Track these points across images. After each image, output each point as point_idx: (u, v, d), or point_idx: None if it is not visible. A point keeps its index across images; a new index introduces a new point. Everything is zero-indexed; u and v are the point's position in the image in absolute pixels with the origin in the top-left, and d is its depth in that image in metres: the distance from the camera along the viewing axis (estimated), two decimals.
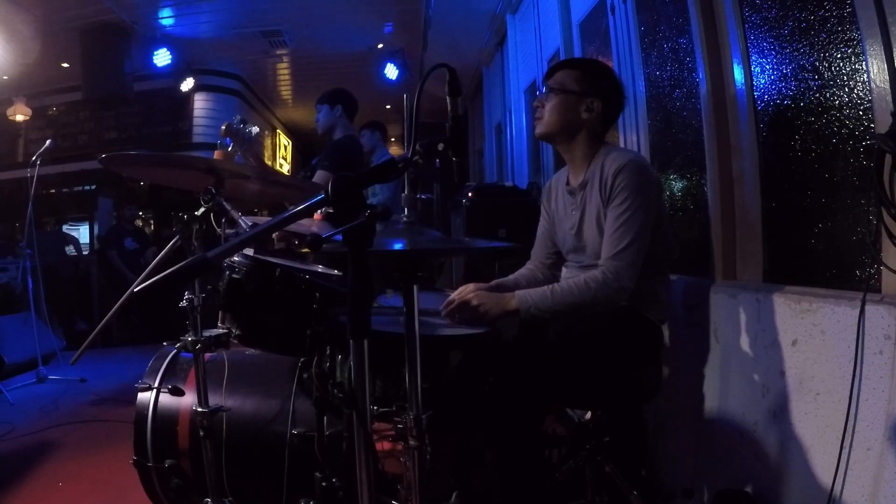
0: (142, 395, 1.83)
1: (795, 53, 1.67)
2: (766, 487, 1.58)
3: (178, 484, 1.77)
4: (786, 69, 1.71)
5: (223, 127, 2.46)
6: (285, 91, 9.21)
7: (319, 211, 2.33)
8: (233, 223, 1.67)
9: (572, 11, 3.71)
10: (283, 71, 8.24)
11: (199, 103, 7.76)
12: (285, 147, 11.18)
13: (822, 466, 1.37)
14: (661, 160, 2.51)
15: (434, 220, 4.33)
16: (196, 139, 7.69)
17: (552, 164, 4.17)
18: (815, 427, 1.42)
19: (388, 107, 8.98)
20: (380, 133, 4.25)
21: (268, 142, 9.77)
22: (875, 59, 1.33)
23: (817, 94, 1.60)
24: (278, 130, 10.65)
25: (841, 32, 1.49)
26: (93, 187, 8.09)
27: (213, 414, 1.61)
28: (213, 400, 1.65)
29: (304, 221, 2.15)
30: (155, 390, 1.83)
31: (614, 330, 1.61)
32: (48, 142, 4.32)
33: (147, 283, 0.90)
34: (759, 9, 1.82)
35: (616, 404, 1.69)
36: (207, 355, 1.68)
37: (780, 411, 1.54)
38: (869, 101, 1.39)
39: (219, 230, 1.69)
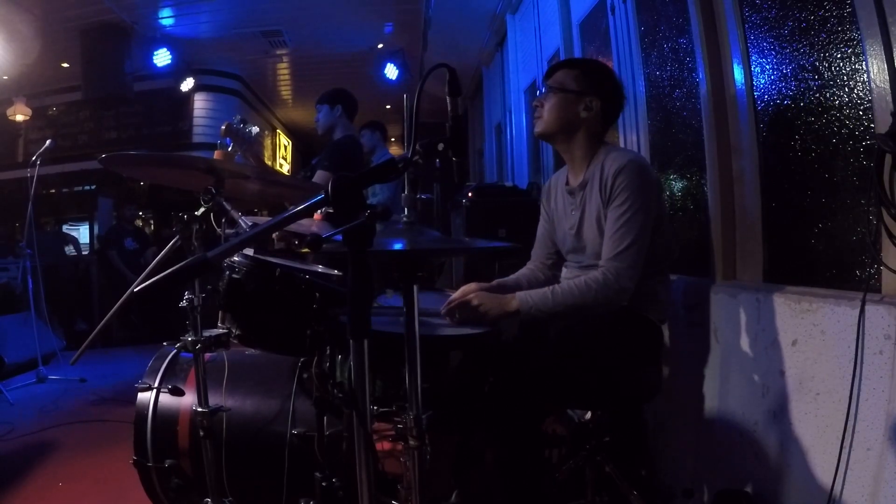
0: (142, 395, 1.83)
1: (795, 53, 1.67)
2: (766, 487, 1.58)
3: (178, 484, 1.77)
4: (786, 69, 1.71)
5: (223, 127, 2.46)
6: (285, 91, 9.21)
7: (319, 211, 2.33)
8: (233, 223, 1.67)
9: (572, 11, 3.71)
10: (283, 71, 8.24)
11: (199, 103, 7.76)
12: (285, 147, 11.18)
13: (822, 466, 1.37)
14: (661, 160, 2.50)
15: (434, 220, 4.33)
16: (196, 139, 7.70)
17: (552, 164, 4.17)
18: (815, 427, 1.42)
19: (388, 107, 8.98)
20: (380, 133, 4.25)
21: (268, 142, 9.77)
22: (875, 59, 1.33)
23: (817, 94, 1.60)
24: (278, 130, 10.65)
25: (841, 32, 1.49)
26: (93, 187, 8.09)
27: (213, 414, 1.61)
28: (213, 400, 1.65)
29: (304, 221, 2.15)
30: (155, 390, 1.83)
31: (614, 330, 1.61)
32: (48, 142, 4.32)
33: (147, 283, 0.90)
34: (759, 9, 1.82)
35: (616, 404, 1.69)
36: (207, 355, 1.68)
37: (780, 411, 1.54)
38: (869, 101, 1.39)
39: (219, 230, 1.69)
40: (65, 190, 8.31)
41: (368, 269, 0.89)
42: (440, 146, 1.09)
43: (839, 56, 1.51)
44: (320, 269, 2.02)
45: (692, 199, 2.28)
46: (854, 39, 1.44)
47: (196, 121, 7.76)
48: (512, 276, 1.89)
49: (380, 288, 1.90)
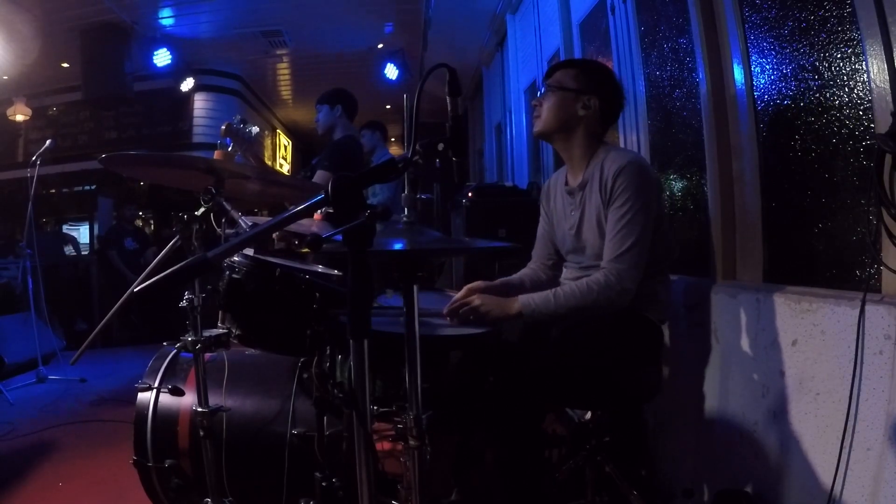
0: (142, 395, 1.83)
1: (795, 53, 1.67)
2: (766, 487, 1.58)
3: (178, 484, 1.77)
4: (786, 69, 1.71)
5: (223, 127, 2.46)
6: (285, 91, 9.20)
7: (319, 211, 2.33)
8: (233, 223, 1.67)
9: (572, 11, 3.71)
10: (283, 71, 8.24)
11: (199, 103, 7.75)
12: (285, 147, 11.18)
13: (822, 466, 1.37)
14: (661, 160, 2.50)
15: (434, 220, 4.33)
16: (196, 139, 7.69)
17: (552, 164, 4.17)
18: (815, 427, 1.42)
19: (388, 107, 8.98)
20: (380, 133, 4.25)
21: (268, 142, 9.77)
22: (875, 59, 1.33)
23: (817, 94, 1.60)
24: (278, 130, 10.65)
25: (841, 32, 1.49)
26: (93, 187, 8.08)
27: (213, 414, 1.61)
28: (213, 400, 1.65)
29: (304, 221, 2.15)
30: (155, 390, 1.83)
31: (614, 330, 1.61)
32: (48, 142, 4.32)
33: (147, 283, 0.90)
34: (759, 9, 1.82)
35: (616, 404, 1.69)
36: (207, 355, 1.68)
37: (780, 411, 1.54)
38: (869, 101, 1.39)
39: (219, 230, 1.69)
40: (65, 190, 8.31)
41: (368, 269, 0.89)
42: (440, 146, 1.09)
43: (839, 56, 1.51)
44: (320, 269, 2.02)
45: (692, 199, 2.28)
46: (854, 39, 1.44)
47: (196, 121, 7.76)
48: (515, 276, 1.90)
49: (380, 288, 1.90)
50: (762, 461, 1.60)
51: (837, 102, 1.52)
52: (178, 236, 1.64)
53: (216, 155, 2.11)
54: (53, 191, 8.18)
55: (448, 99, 1.17)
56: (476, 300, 1.60)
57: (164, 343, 1.83)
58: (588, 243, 1.71)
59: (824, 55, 1.56)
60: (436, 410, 1.23)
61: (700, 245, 2.14)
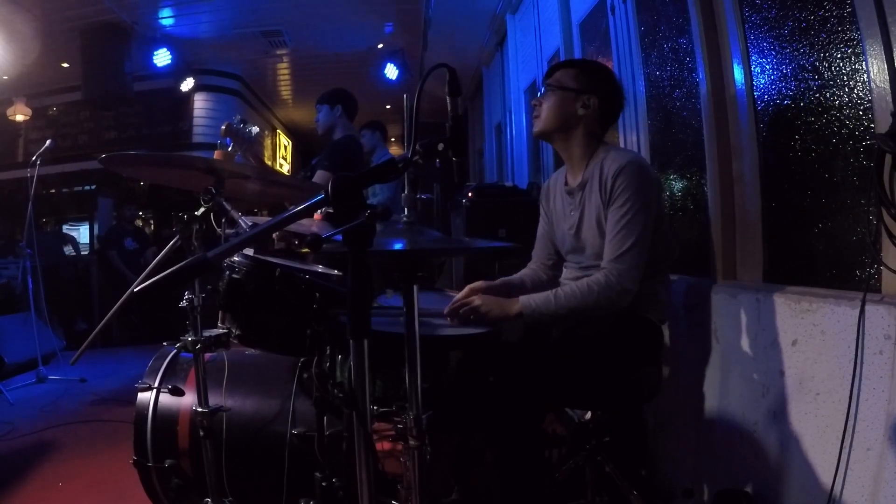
0: (142, 395, 1.83)
1: (795, 53, 1.67)
2: (766, 487, 1.58)
3: (178, 484, 1.77)
4: (786, 69, 1.71)
5: (223, 127, 2.46)
6: (285, 91, 9.20)
7: (319, 211, 2.33)
8: (233, 223, 1.67)
9: (572, 11, 3.71)
10: (283, 71, 8.24)
11: (199, 103, 7.75)
12: (285, 147, 11.18)
13: (822, 466, 1.37)
14: (661, 160, 2.51)
15: (434, 220, 4.33)
16: (196, 139, 7.69)
17: (552, 164, 4.17)
18: (815, 427, 1.42)
19: (388, 107, 8.98)
20: (380, 133, 4.25)
21: (268, 142, 9.77)
22: (875, 59, 1.33)
23: (817, 94, 1.60)
24: (278, 130, 10.65)
25: (841, 32, 1.49)
26: (93, 187, 8.09)
27: (213, 414, 1.61)
28: (213, 400, 1.65)
29: (304, 221, 2.15)
30: (155, 390, 1.83)
31: (614, 330, 1.61)
32: (48, 142, 4.32)
33: (147, 283, 0.90)
34: (759, 9, 1.82)
35: (616, 404, 1.69)
36: (207, 355, 1.68)
37: (780, 411, 1.54)
38: (869, 101, 1.39)
39: (219, 230, 1.69)
40: (65, 190, 8.32)
41: (368, 269, 0.89)
42: (440, 146, 1.09)
43: (839, 56, 1.51)
44: (320, 269, 2.02)
45: (692, 199, 2.28)
46: (854, 39, 1.44)
47: (196, 121, 7.76)
48: (516, 276, 1.90)
49: (380, 288, 1.90)
50: (762, 461, 1.60)
51: (837, 102, 1.52)
52: (178, 236, 1.64)
53: (216, 155, 2.11)
54: (53, 191, 8.19)
55: (448, 99, 1.17)
56: (476, 300, 1.60)
57: (164, 343, 1.83)
58: (588, 243, 1.71)
59: (824, 55, 1.56)
60: (436, 410, 1.23)
61: (700, 245, 2.14)
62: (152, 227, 8.29)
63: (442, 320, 1.61)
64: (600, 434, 1.67)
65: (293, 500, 1.64)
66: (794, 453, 1.47)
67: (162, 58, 6.29)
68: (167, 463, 1.76)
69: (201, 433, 1.60)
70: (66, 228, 8.17)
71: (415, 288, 1.19)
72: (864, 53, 1.38)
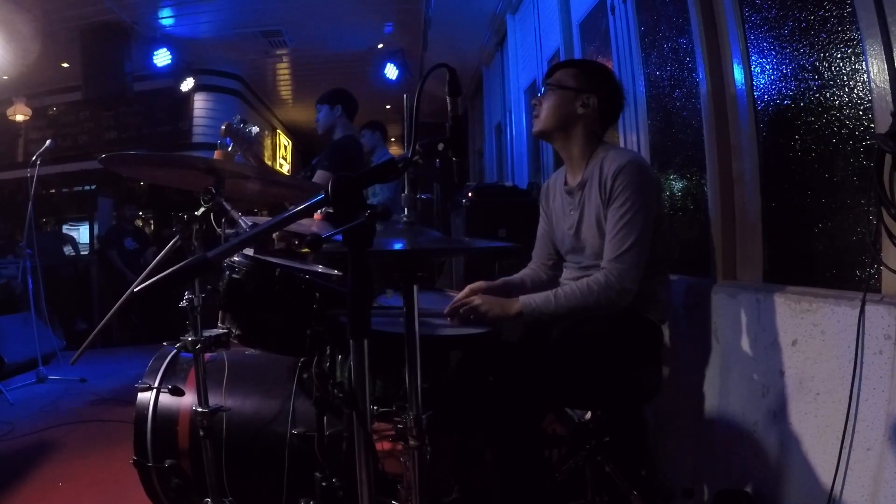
0: (142, 395, 1.83)
1: (795, 53, 1.67)
2: (766, 487, 1.58)
3: (178, 484, 1.77)
4: (786, 69, 1.71)
5: (223, 127, 2.46)
6: (285, 91, 9.21)
7: (319, 211, 2.33)
8: (233, 223, 1.67)
9: (572, 11, 3.71)
10: (283, 71, 8.25)
11: (199, 103, 7.76)
12: (285, 147, 11.18)
13: (822, 466, 1.37)
14: (661, 160, 2.51)
15: (434, 220, 4.33)
16: (196, 139, 7.69)
17: (552, 163, 4.17)
18: (815, 427, 1.42)
19: (388, 107, 8.98)
20: (380, 133, 4.25)
21: (268, 142, 9.77)
22: (875, 59, 1.33)
23: (817, 94, 1.60)
24: (278, 130, 10.65)
25: (841, 32, 1.49)
26: (93, 187, 8.09)
27: (213, 414, 1.61)
28: (213, 400, 1.65)
29: (304, 221, 2.15)
30: (155, 390, 1.83)
31: (614, 330, 1.61)
32: (48, 142, 4.32)
33: (147, 283, 0.90)
34: (759, 9, 1.82)
35: (616, 404, 1.69)
36: (207, 355, 1.68)
37: (780, 411, 1.54)
38: (869, 101, 1.39)
39: (219, 230, 1.69)
40: (65, 190, 8.32)
41: (368, 269, 0.89)
42: (440, 146, 1.09)
43: (839, 56, 1.51)
44: (320, 269, 2.02)
45: (692, 199, 2.28)
46: (854, 39, 1.44)
47: (196, 121, 7.76)
48: (516, 276, 1.90)
49: (380, 288, 1.90)
50: (762, 461, 1.60)
51: (837, 102, 1.52)
52: (178, 236, 1.64)
53: (216, 155, 2.11)
54: (53, 191, 8.19)
55: (448, 99, 1.17)
56: (476, 300, 1.60)
57: (164, 343, 1.83)
58: (587, 243, 1.71)
59: (824, 55, 1.56)
60: (436, 410, 1.23)
61: (700, 245, 2.14)
62: (152, 227, 8.30)
63: (442, 320, 1.61)
64: (600, 434, 1.67)
65: (293, 500, 1.64)
66: (794, 453, 1.47)
67: (162, 58, 6.29)
68: (167, 463, 1.76)
69: (201, 433, 1.60)
70: (66, 228, 8.18)
71: (415, 288, 1.19)
72: (864, 53, 1.38)
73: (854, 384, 1.28)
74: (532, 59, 4.59)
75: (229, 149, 2.46)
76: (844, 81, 1.50)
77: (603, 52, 3.17)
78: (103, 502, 2.26)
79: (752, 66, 1.85)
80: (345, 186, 0.87)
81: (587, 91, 1.70)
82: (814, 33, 1.59)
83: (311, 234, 0.93)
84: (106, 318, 2.36)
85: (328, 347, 1.51)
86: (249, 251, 1.72)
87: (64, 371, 4.11)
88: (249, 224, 1.59)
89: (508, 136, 5.67)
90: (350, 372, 1.17)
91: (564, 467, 1.69)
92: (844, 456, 1.29)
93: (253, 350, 1.93)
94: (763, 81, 1.81)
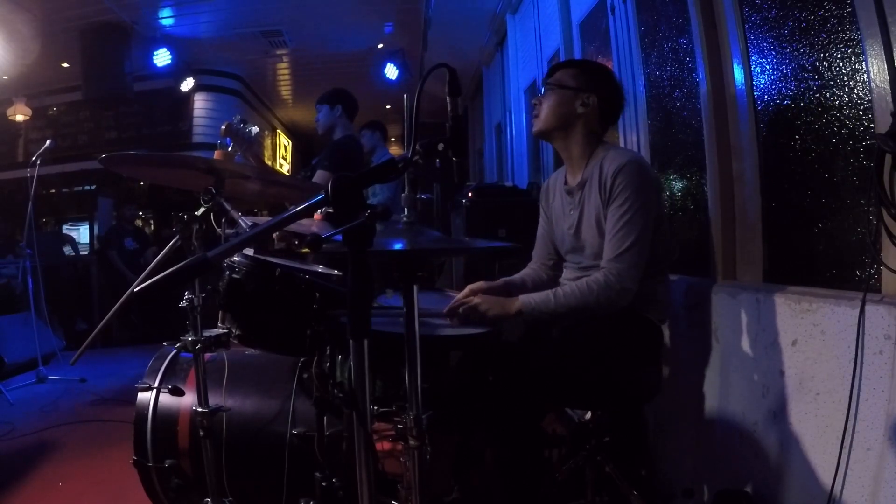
0: (142, 395, 1.83)
1: (795, 53, 1.67)
2: (766, 487, 1.58)
3: (178, 484, 1.77)
4: (786, 69, 1.71)
5: (223, 127, 2.47)
6: (285, 91, 9.21)
7: (319, 211, 2.33)
8: (233, 223, 1.67)
9: (572, 11, 3.71)
10: (283, 71, 8.25)
11: (199, 103, 7.76)
12: (285, 147, 11.18)
13: (822, 466, 1.37)
14: (661, 160, 2.50)
15: (434, 220, 4.33)
16: (196, 139, 7.70)
17: (552, 164, 4.17)
18: (815, 427, 1.42)
19: (388, 107, 8.98)
20: (380, 133, 4.25)
21: (268, 142, 9.77)
22: (875, 59, 1.33)
23: (817, 94, 1.60)
24: (278, 130, 10.65)
25: (841, 32, 1.49)
26: (93, 187, 8.09)
27: (213, 414, 1.61)
28: (213, 400, 1.65)
29: (304, 221, 2.15)
30: (155, 390, 1.83)
31: (614, 330, 1.61)
32: (48, 142, 4.32)
33: (147, 283, 0.90)
34: (759, 9, 1.82)
35: (616, 404, 1.69)
36: (207, 355, 1.68)
37: (780, 411, 1.54)
38: (869, 101, 1.39)
39: (219, 230, 1.69)
40: (65, 190, 8.32)
41: (368, 269, 0.89)
42: (440, 146, 1.09)
43: (839, 56, 1.51)
44: (320, 269, 2.02)
45: (692, 199, 2.28)
46: (854, 39, 1.44)
47: (196, 121, 7.76)
48: (517, 276, 1.90)
49: (380, 288, 1.90)
50: (762, 461, 1.60)
51: (837, 102, 1.52)
52: (178, 236, 1.64)
53: (216, 155, 2.11)
54: (53, 191, 8.19)
55: (448, 99, 1.17)
56: (476, 299, 1.60)
57: (164, 343, 1.83)
58: (587, 243, 1.71)
59: (824, 55, 1.56)
60: (436, 410, 1.23)
61: (700, 245, 2.14)
62: (152, 227, 8.30)
63: (442, 320, 1.61)
64: (600, 434, 1.67)
65: (293, 500, 1.64)
66: (794, 453, 1.47)
67: (162, 58, 6.29)
68: (167, 463, 1.76)
69: (201, 433, 1.60)
70: (66, 228, 8.17)
71: (415, 288, 1.19)
72: (864, 53, 1.38)
73: (854, 384, 1.28)
74: (532, 59, 4.59)
75: (229, 149, 2.46)
76: (844, 81, 1.50)
77: (603, 52, 3.17)
78: (103, 502, 2.26)
79: (752, 66, 1.85)
80: (345, 186, 0.87)
81: (587, 91, 1.70)
82: (814, 33, 1.59)
83: (311, 234, 0.93)
84: (106, 318, 2.36)
85: (328, 347, 1.51)
86: (249, 251, 1.72)
87: (64, 371, 4.11)
88: (249, 224, 1.59)
89: (508, 136, 5.67)
90: (350, 372, 1.17)
91: (564, 467, 1.69)
92: (844, 456, 1.29)
93: (253, 350, 1.93)
94: (763, 81, 1.81)
